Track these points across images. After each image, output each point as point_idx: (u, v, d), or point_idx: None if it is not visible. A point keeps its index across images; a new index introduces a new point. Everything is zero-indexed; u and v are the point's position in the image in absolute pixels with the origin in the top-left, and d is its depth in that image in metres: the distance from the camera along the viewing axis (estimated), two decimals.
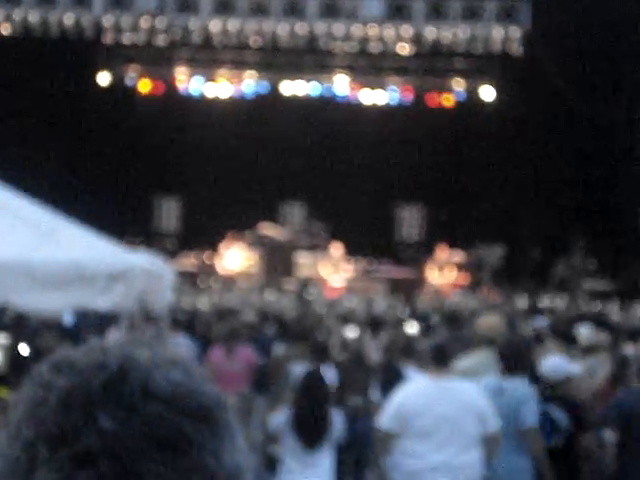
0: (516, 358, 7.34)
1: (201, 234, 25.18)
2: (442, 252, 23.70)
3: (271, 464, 8.84)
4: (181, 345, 11.05)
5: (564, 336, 10.92)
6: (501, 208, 25.06)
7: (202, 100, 26.41)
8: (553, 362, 7.72)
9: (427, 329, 11.80)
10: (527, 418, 7.13)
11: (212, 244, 24.80)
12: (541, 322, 12.34)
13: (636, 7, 23.41)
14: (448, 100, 25.83)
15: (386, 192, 25.56)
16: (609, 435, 7.38)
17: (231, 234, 24.14)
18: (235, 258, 23.90)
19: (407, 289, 22.09)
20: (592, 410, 9.73)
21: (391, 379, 8.29)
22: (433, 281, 23.38)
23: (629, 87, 24.17)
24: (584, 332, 11.65)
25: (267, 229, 24.73)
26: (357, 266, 23.92)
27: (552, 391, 7.55)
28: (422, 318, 13.70)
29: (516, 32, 24.27)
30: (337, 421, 7.47)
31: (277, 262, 23.92)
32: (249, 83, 26.25)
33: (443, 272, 23.41)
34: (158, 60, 26.13)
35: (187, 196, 26.45)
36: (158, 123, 25.99)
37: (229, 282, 23.01)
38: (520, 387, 7.23)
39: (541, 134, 24.66)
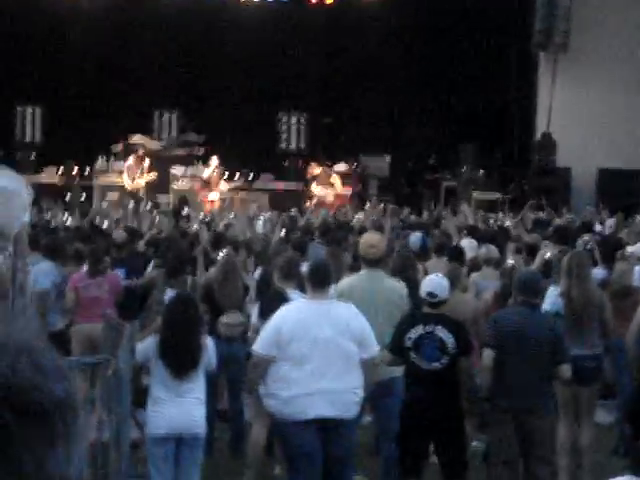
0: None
1: (66, 146, 24.50)
2: (326, 163, 23.63)
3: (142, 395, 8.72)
4: (42, 269, 10.78)
5: (449, 251, 10.95)
6: (387, 116, 25.03)
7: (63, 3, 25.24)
8: (432, 280, 7.70)
9: (303, 247, 11.62)
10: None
11: (78, 156, 24.23)
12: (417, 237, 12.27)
13: None
14: None
15: (266, 99, 25.21)
16: (487, 355, 7.43)
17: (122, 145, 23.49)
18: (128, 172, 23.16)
19: (289, 202, 22.00)
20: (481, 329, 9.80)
21: (270, 300, 8.20)
22: (317, 193, 23.33)
23: None
24: (468, 246, 11.69)
25: (140, 140, 24.21)
26: (236, 178, 23.68)
27: (436, 311, 7.58)
28: (305, 233, 13.65)
29: None
30: (209, 347, 7.37)
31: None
32: None
33: (327, 184, 23.36)
34: None
35: (50, 105, 25.44)
36: (18, 26, 24.85)
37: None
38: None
39: (429, 35, 24.56)
